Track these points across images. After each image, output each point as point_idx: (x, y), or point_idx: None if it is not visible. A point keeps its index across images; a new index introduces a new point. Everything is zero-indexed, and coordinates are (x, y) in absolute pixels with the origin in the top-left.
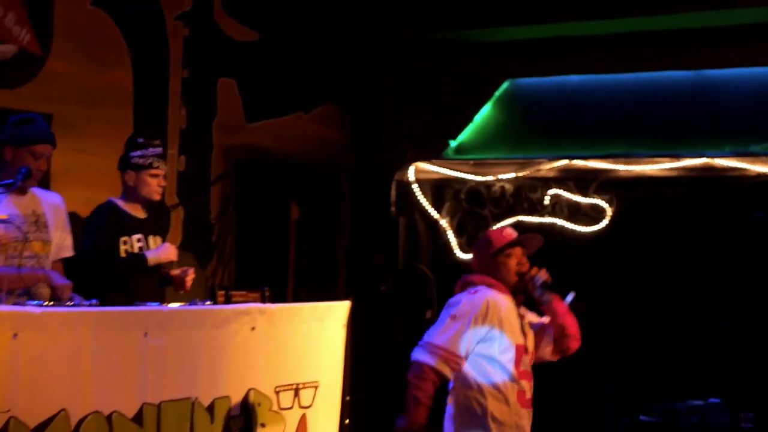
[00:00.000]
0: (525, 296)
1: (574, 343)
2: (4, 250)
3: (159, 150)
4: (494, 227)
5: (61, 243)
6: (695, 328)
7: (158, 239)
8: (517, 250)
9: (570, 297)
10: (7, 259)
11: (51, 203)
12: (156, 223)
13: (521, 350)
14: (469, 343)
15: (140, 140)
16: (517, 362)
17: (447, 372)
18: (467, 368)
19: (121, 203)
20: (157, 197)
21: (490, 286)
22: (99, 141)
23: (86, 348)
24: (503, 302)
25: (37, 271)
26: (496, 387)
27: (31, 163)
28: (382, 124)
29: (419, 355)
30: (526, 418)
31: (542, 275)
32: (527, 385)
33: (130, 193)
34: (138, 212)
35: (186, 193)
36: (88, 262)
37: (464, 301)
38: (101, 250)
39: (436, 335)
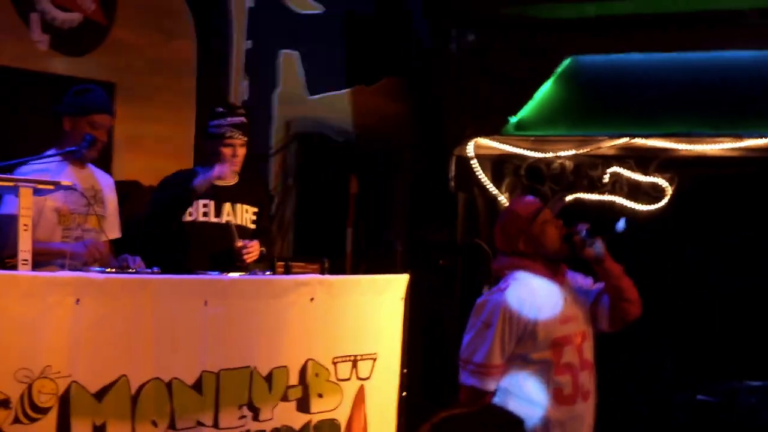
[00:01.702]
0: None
1: (634, 309)
2: (64, 221)
3: (237, 119)
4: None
5: (113, 222)
6: (756, 307)
7: (248, 208)
8: (548, 214)
9: (621, 224)
10: (65, 230)
11: (106, 182)
12: (249, 192)
13: (558, 343)
14: (508, 345)
15: (220, 109)
16: (557, 357)
17: (493, 386)
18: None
19: (202, 171)
20: (235, 167)
21: (524, 268)
22: (161, 110)
23: (147, 315)
24: (539, 287)
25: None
26: (524, 391)
27: (90, 131)
28: (443, 99)
29: (464, 378)
30: (570, 413)
31: (583, 225)
32: (567, 380)
33: (209, 162)
34: (219, 180)
35: (247, 165)
36: (144, 225)
37: (493, 303)
38: (157, 205)
39: (473, 351)
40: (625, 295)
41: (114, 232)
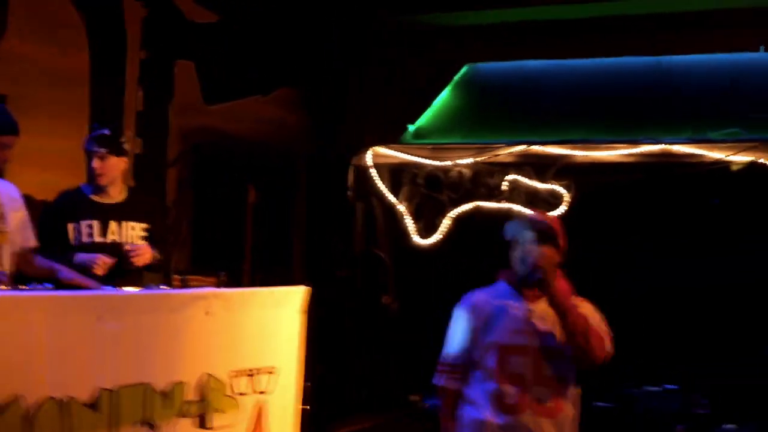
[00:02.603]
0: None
1: (587, 358)
2: None
3: (99, 132)
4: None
5: (23, 234)
6: (651, 314)
7: (134, 225)
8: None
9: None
10: None
11: (7, 194)
12: (136, 208)
13: (504, 352)
14: (470, 345)
15: (95, 125)
16: (500, 364)
17: (456, 386)
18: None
19: (86, 188)
20: (98, 181)
21: (504, 279)
22: (55, 123)
23: (39, 333)
24: (504, 297)
25: None
26: (470, 393)
27: None
28: (341, 108)
29: (434, 377)
30: (512, 422)
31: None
32: (510, 389)
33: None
34: (104, 197)
35: (142, 176)
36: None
37: (463, 303)
38: (41, 236)
39: (444, 349)
40: (575, 339)
41: (28, 241)
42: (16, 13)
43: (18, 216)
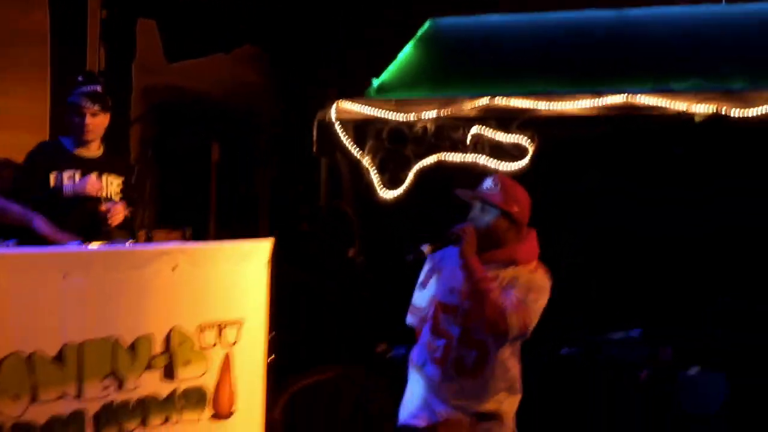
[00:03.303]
0: None
1: (487, 327)
2: None
3: (89, 88)
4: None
5: None
6: (615, 260)
7: (113, 178)
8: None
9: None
10: None
11: None
12: (114, 163)
13: (438, 307)
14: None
15: (79, 78)
16: (435, 318)
17: (420, 326)
18: None
19: (65, 140)
20: (86, 136)
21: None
22: (16, 83)
23: (5, 289)
24: (455, 256)
25: None
26: (421, 335)
27: None
28: (304, 64)
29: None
30: (435, 374)
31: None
32: (437, 344)
33: (70, 131)
34: (84, 151)
35: (106, 135)
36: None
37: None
38: (22, 184)
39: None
40: (479, 309)
41: None
42: None
43: None
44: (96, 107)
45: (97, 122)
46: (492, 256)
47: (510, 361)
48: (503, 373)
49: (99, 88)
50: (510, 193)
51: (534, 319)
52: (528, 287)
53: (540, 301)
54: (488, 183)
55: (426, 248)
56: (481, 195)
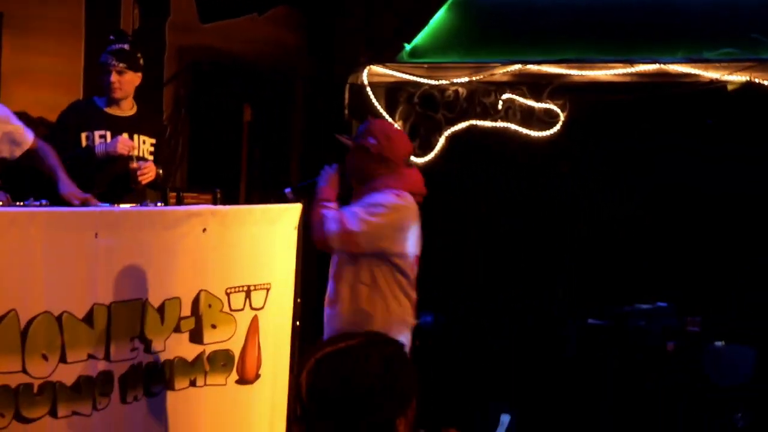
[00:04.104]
0: None
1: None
2: None
3: (117, 46)
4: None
5: (10, 138)
6: (645, 231)
7: (144, 137)
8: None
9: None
10: None
11: None
12: (146, 123)
13: None
14: None
15: (111, 37)
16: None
17: None
18: None
19: (98, 100)
20: (114, 94)
21: None
22: (50, 41)
23: (36, 248)
24: None
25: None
26: None
27: None
28: (337, 27)
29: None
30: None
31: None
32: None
33: (100, 92)
34: (116, 110)
35: (139, 94)
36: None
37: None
38: (54, 143)
39: None
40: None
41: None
42: None
43: (3, 130)
44: (122, 65)
45: (125, 80)
46: (360, 190)
47: (366, 291)
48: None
49: (127, 47)
50: (369, 130)
51: (369, 230)
52: (367, 203)
53: (377, 215)
54: (360, 127)
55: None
56: (344, 136)
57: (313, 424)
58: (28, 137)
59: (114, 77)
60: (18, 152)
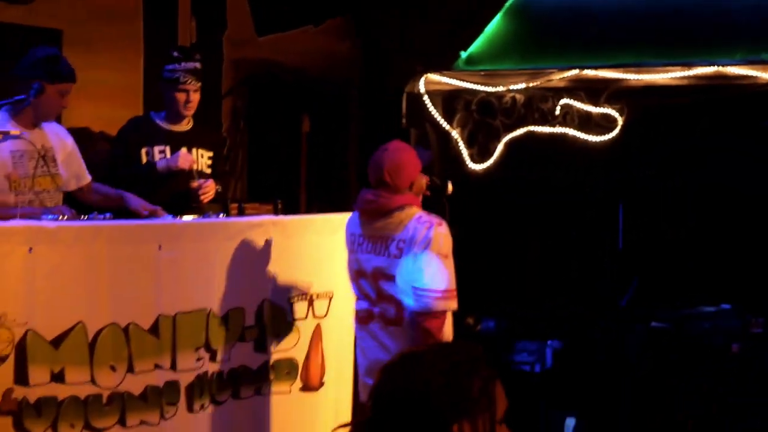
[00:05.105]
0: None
1: None
2: (15, 186)
3: (191, 65)
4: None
5: (77, 173)
6: (707, 233)
7: (203, 151)
8: None
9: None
10: (17, 195)
11: (57, 136)
12: (204, 136)
13: None
14: None
15: (175, 54)
16: None
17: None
18: None
19: (156, 116)
20: (185, 112)
21: (417, 204)
22: (109, 57)
23: (101, 261)
24: None
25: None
26: None
27: (56, 99)
28: (391, 36)
29: (440, 305)
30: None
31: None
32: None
33: (165, 106)
34: (174, 125)
35: (197, 107)
36: (106, 172)
37: (445, 235)
38: (115, 159)
39: (445, 280)
40: None
41: (80, 180)
42: None
43: (69, 156)
44: (199, 84)
45: (193, 98)
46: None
47: None
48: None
49: (198, 65)
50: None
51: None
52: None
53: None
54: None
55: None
56: None
57: (374, 427)
58: (87, 174)
59: (192, 96)
60: (75, 186)
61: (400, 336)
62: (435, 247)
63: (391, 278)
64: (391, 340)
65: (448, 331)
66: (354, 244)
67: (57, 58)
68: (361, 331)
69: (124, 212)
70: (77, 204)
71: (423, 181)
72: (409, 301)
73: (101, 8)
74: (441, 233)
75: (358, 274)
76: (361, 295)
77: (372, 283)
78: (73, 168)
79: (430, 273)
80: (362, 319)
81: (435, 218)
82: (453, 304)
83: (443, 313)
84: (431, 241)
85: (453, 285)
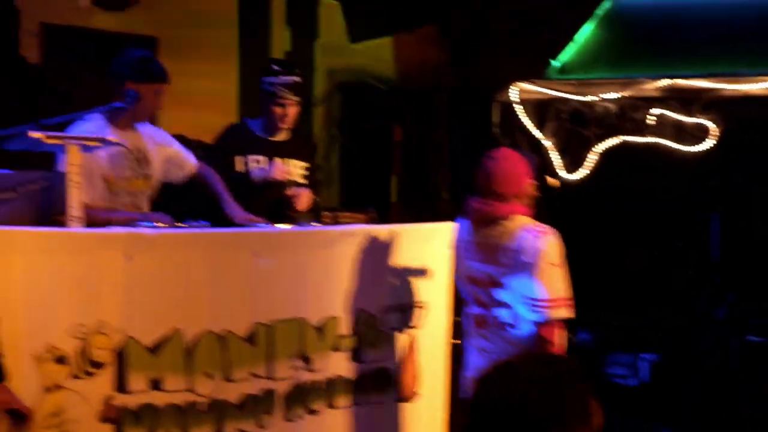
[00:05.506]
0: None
1: None
2: (112, 187)
3: (290, 79)
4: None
5: (178, 164)
6: None
7: (298, 162)
8: None
9: None
10: (112, 195)
11: (151, 138)
12: (299, 147)
13: None
14: None
15: (275, 67)
16: None
17: None
18: None
19: (252, 123)
20: (282, 125)
21: (524, 213)
22: (204, 64)
23: (198, 269)
24: None
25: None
26: None
27: (152, 99)
28: (482, 44)
29: (558, 314)
30: None
31: None
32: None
33: (262, 116)
34: (271, 134)
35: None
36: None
37: (555, 243)
38: (211, 167)
39: (563, 288)
40: None
41: (187, 168)
42: None
43: (165, 152)
44: (298, 98)
45: (291, 112)
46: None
47: None
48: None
49: (298, 79)
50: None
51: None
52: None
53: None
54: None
55: None
56: None
57: None
58: (190, 160)
59: (289, 110)
60: (182, 175)
61: (516, 341)
62: (546, 256)
63: (502, 286)
64: (506, 344)
65: (561, 340)
66: (464, 250)
67: (149, 59)
68: (478, 334)
69: (218, 218)
70: (171, 206)
71: (532, 187)
72: (522, 311)
73: (196, 16)
74: (551, 242)
75: (470, 280)
76: (474, 300)
77: (484, 290)
78: (173, 161)
79: (543, 282)
80: (478, 323)
81: (544, 227)
82: (568, 312)
83: (558, 321)
84: (542, 250)
85: (567, 293)
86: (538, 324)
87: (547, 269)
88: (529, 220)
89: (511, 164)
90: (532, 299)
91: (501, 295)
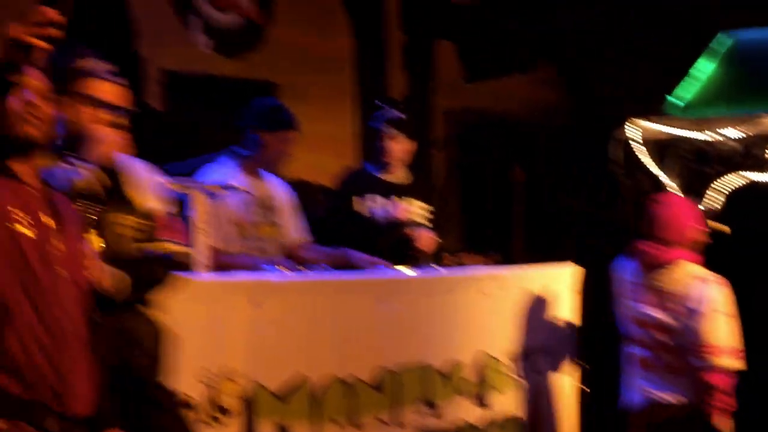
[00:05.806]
0: None
1: None
2: (243, 232)
3: (391, 114)
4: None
5: (297, 226)
6: None
7: (418, 203)
8: None
9: None
10: (243, 241)
11: (280, 190)
12: (420, 189)
13: None
14: None
15: (378, 104)
16: None
17: None
18: None
19: (371, 167)
20: (387, 160)
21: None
22: (321, 107)
23: (324, 315)
24: None
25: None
26: None
27: (278, 148)
28: (599, 83)
29: (731, 363)
30: None
31: None
32: None
33: (374, 155)
34: (390, 176)
35: (407, 158)
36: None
37: (725, 292)
38: (331, 210)
39: (729, 338)
40: None
41: (302, 234)
42: (281, 1)
43: (290, 210)
44: (394, 131)
45: (397, 147)
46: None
47: None
48: None
49: (401, 114)
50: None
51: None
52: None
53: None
54: None
55: None
56: None
57: None
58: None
59: (386, 143)
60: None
61: (684, 386)
62: (717, 306)
63: (671, 332)
64: (673, 388)
65: (728, 389)
66: (631, 291)
67: (277, 108)
68: (643, 375)
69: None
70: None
71: (700, 233)
72: (693, 358)
73: (313, 60)
74: (722, 291)
75: (636, 322)
76: (639, 342)
77: (652, 334)
78: (294, 221)
79: (714, 331)
80: (644, 365)
81: (715, 276)
82: (737, 363)
83: (728, 370)
84: (713, 299)
85: (734, 342)
86: (703, 371)
87: (714, 317)
88: (697, 267)
89: (676, 210)
90: (698, 346)
91: (671, 341)
